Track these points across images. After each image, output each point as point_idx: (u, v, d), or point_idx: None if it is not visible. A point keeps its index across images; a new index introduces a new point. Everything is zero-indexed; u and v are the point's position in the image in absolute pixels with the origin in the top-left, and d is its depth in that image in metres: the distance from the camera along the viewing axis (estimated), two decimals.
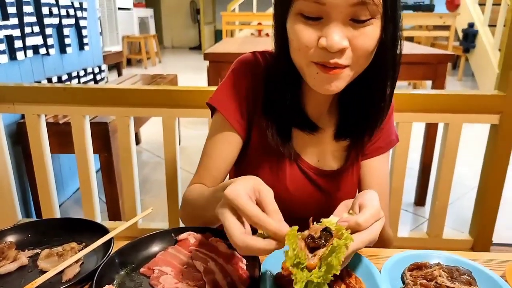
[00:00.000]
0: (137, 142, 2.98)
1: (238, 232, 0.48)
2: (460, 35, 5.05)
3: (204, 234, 0.66)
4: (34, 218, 1.71)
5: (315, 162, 0.78)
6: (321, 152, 0.78)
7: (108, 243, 0.64)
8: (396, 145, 0.84)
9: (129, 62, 7.31)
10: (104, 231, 0.67)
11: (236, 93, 0.74)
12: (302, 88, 0.73)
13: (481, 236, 1.44)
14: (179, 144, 2.92)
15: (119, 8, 6.39)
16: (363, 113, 0.71)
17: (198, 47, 9.85)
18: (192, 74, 5.91)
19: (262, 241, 0.47)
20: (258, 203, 0.50)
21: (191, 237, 0.65)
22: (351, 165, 0.80)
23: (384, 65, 0.64)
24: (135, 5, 7.56)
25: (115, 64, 3.72)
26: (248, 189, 0.50)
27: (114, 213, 1.65)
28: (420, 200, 2.03)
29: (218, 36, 9.71)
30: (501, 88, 1.29)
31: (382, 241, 0.71)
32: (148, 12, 8.25)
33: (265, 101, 0.74)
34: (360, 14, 0.57)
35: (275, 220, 0.48)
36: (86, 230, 0.70)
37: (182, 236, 0.65)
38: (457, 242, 1.47)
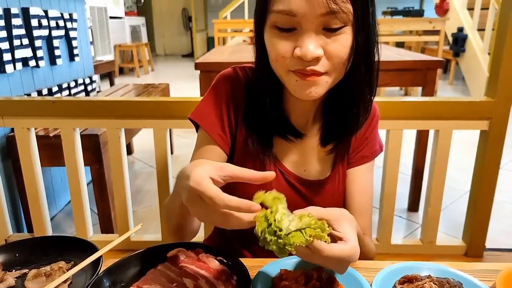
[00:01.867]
0: (130, 152, 2.97)
1: (214, 188, 0.49)
2: (450, 39, 5.11)
3: (194, 250, 0.65)
4: (25, 233, 1.69)
5: (301, 172, 0.79)
6: (307, 161, 0.79)
7: (97, 261, 0.63)
8: (380, 154, 0.85)
9: (122, 71, 7.29)
10: (93, 248, 0.67)
11: (218, 107, 0.75)
12: (286, 98, 0.75)
13: (474, 242, 1.44)
14: (172, 153, 2.92)
15: (111, 17, 6.37)
16: (343, 118, 0.73)
17: (190, 55, 9.86)
18: (185, 83, 5.90)
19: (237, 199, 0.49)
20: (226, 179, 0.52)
21: (181, 254, 0.64)
22: (337, 174, 0.80)
23: (358, 71, 0.66)
24: (126, 14, 7.56)
25: (107, 74, 3.71)
26: (209, 173, 0.51)
27: (106, 226, 1.64)
28: (413, 206, 2.03)
29: (210, 43, 9.73)
30: (490, 94, 1.30)
31: (362, 254, 0.71)
32: (140, 21, 8.25)
33: (246, 112, 0.75)
34: (331, 23, 0.59)
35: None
36: (75, 247, 0.69)
37: (172, 252, 0.65)
38: (450, 248, 1.47)
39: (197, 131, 0.80)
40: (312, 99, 0.66)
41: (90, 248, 0.67)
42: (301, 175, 0.79)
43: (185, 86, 5.59)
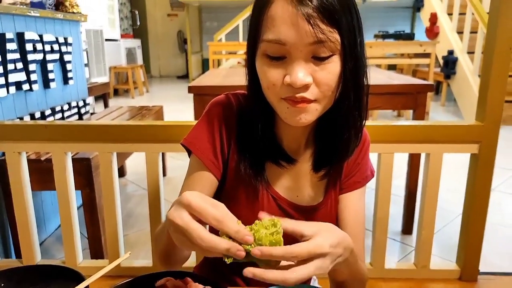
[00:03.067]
0: (122, 174, 2.95)
1: (201, 229, 0.50)
2: (441, 62, 5.21)
3: (182, 280, 0.64)
4: (13, 259, 1.66)
5: (293, 197, 0.79)
6: (299, 186, 0.80)
7: None
8: (371, 179, 0.86)
9: (117, 92, 7.32)
10: (80, 278, 0.66)
11: (210, 134, 0.76)
12: (278, 124, 0.76)
13: (468, 266, 1.43)
14: (165, 175, 2.90)
15: (107, 40, 6.45)
16: (335, 145, 0.74)
17: (185, 76, 9.95)
18: (180, 104, 5.92)
19: (225, 241, 0.50)
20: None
21: (170, 283, 0.64)
22: (329, 200, 0.81)
23: (348, 98, 0.67)
24: (122, 36, 7.65)
25: (102, 95, 3.73)
26: (202, 195, 0.54)
27: (96, 251, 1.61)
28: (407, 228, 2.03)
29: (205, 64, 9.84)
30: (479, 118, 1.32)
31: (354, 275, 0.71)
32: (135, 43, 8.35)
33: (239, 138, 0.76)
34: (320, 52, 0.61)
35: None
36: (62, 276, 0.68)
37: (160, 282, 0.64)
38: (444, 272, 1.46)
39: (189, 157, 0.80)
40: (303, 125, 0.68)
41: (78, 277, 0.66)
42: (294, 200, 0.79)
43: (181, 107, 5.61)
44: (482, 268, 1.46)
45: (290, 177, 0.79)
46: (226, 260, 0.51)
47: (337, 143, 0.73)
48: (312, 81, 0.62)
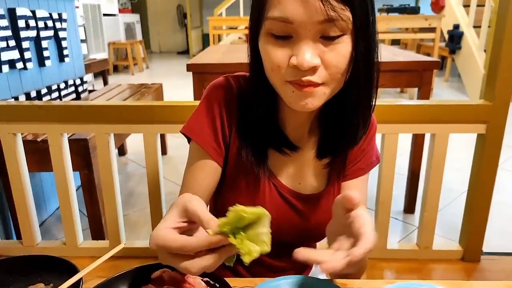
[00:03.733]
0: (123, 153, 2.93)
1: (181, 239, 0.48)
2: (446, 36, 5.09)
3: (179, 271, 0.62)
4: (14, 240, 1.65)
5: (295, 185, 0.76)
6: (302, 174, 0.76)
7: (78, 283, 0.60)
8: (376, 165, 0.82)
9: (116, 69, 7.23)
10: (74, 269, 0.64)
11: (210, 120, 0.72)
12: (281, 109, 0.72)
13: (471, 246, 1.42)
14: (166, 154, 2.88)
15: (105, 15, 6.31)
16: (341, 131, 0.70)
17: (186, 51, 9.80)
18: (180, 80, 5.85)
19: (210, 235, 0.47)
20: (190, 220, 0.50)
21: (166, 275, 0.61)
22: (332, 188, 0.78)
23: (357, 82, 0.63)
24: (120, 11, 7.49)
25: (101, 72, 3.65)
26: (171, 223, 0.50)
27: (97, 231, 1.60)
28: (409, 208, 2.01)
29: (205, 40, 9.67)
30: (487, 98, 1.28)
31: (360, 268, 0.71)
32: (134, 18, 8.17)
33: (240, 124, 0.72)
34: (330, 31, 0.56)
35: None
36: (55, 268, 0.66)
37: (156, 273, 0.61)
38: (447, 252, 1.45)
39: (189, 143, 0.76)
40: (309, 111, 0.64)
41: (71, 268, 0.64)
42: (296, 188, 0.76)
43: (181, 83, 5.54)
44: (484, 247, 1.45)
45: (292, 164, 0.75)
46: (228, 264, 0.50)
47: (344, 129, 0.69)
48: (320, 63, 0.58)
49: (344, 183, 0.79)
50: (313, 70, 0.58)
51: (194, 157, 0.74)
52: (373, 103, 0.68)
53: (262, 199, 0.74)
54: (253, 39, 0.65)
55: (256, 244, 0.47)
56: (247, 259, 0.46)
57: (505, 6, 1.20)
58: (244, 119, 0.71)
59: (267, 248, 0.47)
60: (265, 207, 0.73)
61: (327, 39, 0.57)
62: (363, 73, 0.62)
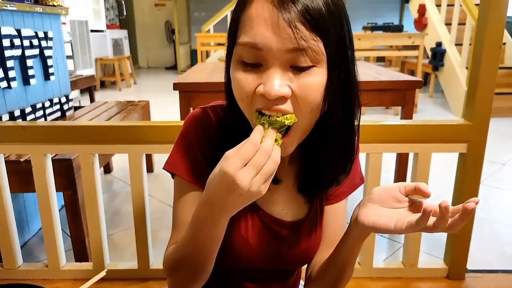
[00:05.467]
0: (109, 171, 2.90)
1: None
2: (429, 53, 5.21)
3: None
4: None
5: (278, 212, 0.75)
6: (285, 201, 0.75)
7: None
8: (360, 186, 0.83)
9: (103, 84, 7.20)
10: None
11: (191, 153, 0.72)
12: None
13: (455, 264, 1.43)
14: (152, 171, 2.86)
15: (92, 31, 6.32)
16: (322, 165, 0.68)
17: (174, 67, 9.82)
18: (168, 96, 5.85)
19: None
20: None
21: None
22: (315, 213, 0.77)
23: (335, 115, 0.61)
24: (108, 27, 7.50)
25: (88, 88, 3.63)
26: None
27: (80, 253, 1.57)
28: None
29: (194, 55, 9.72)
30: (467, 118, 1.30)
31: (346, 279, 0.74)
32: (122, 34, 8.19)
33: (219, 153, 0.71)
34: (300, 61, 0.55)
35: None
36: None
37: None
38: (432, 271, 1.46)
39: (173, 178, 0.76)
40: (286, 150, 0.61)
41: None
42: (279, 216, 0.75)
43: (168, 100, 5.54)
44: (469, 265, 1.46)
45: (275, 192, 0.74)
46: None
47: (324, 166, 0.67)
48: (290, 93, 0.56)
49: (327, 207, 0.79)
50: (283, 99, 0.56)
51: (182, 191, 0.73)
52: (355, 137, 0.66)
53: (245, 230, 0.73)
54: (227, 66, 0.64)
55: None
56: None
57: (483, 26, 1.23)
58: (223, 149, 0.71)
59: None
60: (248, 237, 0.73)
61: (297, 70, 0.56)
62: (341, 106, 0.60)
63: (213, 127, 0.71)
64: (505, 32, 5.00)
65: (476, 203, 0.54)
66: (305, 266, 0.87)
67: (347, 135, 0.65)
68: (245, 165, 0.52)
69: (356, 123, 0.66)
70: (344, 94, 0.60)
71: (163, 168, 0.75)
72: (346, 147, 0.66)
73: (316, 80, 0.56)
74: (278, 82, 0.55)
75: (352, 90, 0.61)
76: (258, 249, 0.74)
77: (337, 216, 0.80)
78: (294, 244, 0.76)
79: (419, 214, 0.56)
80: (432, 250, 1.83)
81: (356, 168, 0.81)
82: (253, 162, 0.51)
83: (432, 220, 0.55)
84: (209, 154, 0.71)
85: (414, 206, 0.61)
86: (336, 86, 0.58)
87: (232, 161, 0.52)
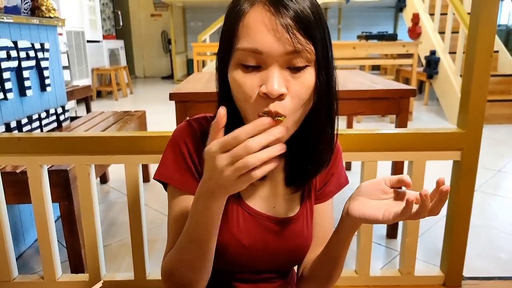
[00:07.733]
0: (105, 181, 2.89)
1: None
2: (423, 62, 5.26)
3: None
4: None
5: (270, 209, 0.78)
6: (275, 198, 0.79)
7: None
8: (345, 186, 0.87)
9: (100, 94, 7.21)
10: None
11: (180, 161, 0.74)
12: None
13: (452, 272, 1.44)
14: (148, 181, 2.85)
15: (88, 41, 6.34)
16: (307, 157, 0.73)
17: (170, 77, 9.85)
18: (164, 106, 5.85)
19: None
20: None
21: None
22: (305, 210, 0.80)
23: (320, 111, 0.67)
24: (105, 37, 7.53)
25: (84, 98, 3.64)
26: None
27: (76, 264, 1.57)
28: (392, 233, 2.03)
29: (190, 65, 9.75)
30: (461, 126, 1.32)
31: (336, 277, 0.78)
32: (118, 44, 8.22)
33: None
34: (296, 62, 0.61)
35: None
36: None
37: None
38: (429, 278, 1.46)
39: (165, 189, 0.78)
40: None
41: None
42: (271, 213, 0.78)
43: (165, 109, 5.54)
44: (465, 272, 1.46)
45: (265, 189, 0.78)
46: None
47: (310, 154, 0.73)
48: (287, 92, 0.62)
49: (316, 206, 0.83)
50: (279, 98, 0.61)
51: (174, 200, 0.75)
52: (336, 129, 0.73)
53: (237, 228, 0.75)
54: (222, 70, 0.69)
55: None
56: None
57: (474, 36, 1.26)
58: None
59: None
60: (241, 237, 0.74)
61: (294, 70, 0.62)
62: (325, 102, 0.67)
63: (198, 137, 0.75)
64: (498, 40, 5.06)
65: (443, 183, 0.60)
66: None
67: (329, 127, 0.72)
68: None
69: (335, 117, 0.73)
70: (328, 90, 0.67)
71: (153, 178, 0.77)
72: (328, 139, 0.73)
73: (309, 77, 0.63)
74: (278, 81, 0.60)
75: (333, 86, 0.69)
76: (251, 248, 0.76)
77: (326, 215, 0.85)
78: (287, 241, 0.79)
79: (403, 203, 0.61)
80: (428, 258, 1.83)
81: (342, 169, 0.86)
82: (232, 153, 0.53)
83: (415, 208, 0.60)
84: (197, 159, 0.74)
85: (399, 196, 0.67)
86: (323, 83, 0.65)
87: (214, 143, 0.55)
